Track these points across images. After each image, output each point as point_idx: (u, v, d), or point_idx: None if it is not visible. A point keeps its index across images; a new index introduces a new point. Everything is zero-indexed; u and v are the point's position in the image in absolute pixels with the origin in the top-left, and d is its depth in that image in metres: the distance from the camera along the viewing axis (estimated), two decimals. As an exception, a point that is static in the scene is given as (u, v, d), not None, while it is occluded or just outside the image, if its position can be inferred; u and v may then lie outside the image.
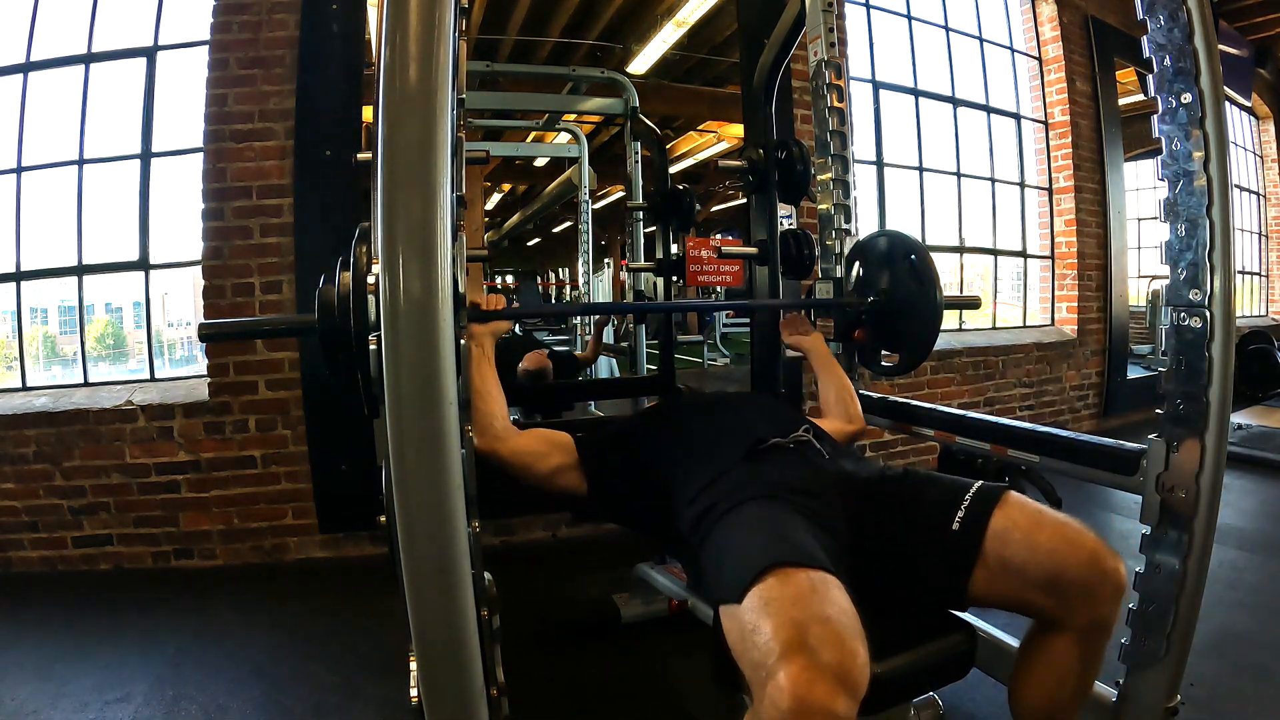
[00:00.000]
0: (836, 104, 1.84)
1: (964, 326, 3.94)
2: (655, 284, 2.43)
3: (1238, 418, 3.62)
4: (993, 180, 3.98)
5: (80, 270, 2.53)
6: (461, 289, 1.01)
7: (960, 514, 1.03)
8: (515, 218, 8.42)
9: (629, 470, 1.33)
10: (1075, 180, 4.00)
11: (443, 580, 0.68)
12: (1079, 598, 0.95)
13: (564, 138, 4.63)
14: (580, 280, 4.24)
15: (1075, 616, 0.96)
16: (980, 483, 1.08)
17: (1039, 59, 4.07)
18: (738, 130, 3.22)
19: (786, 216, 2.50)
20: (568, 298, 10.05)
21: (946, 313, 1.56)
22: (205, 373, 2.38)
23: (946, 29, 3.81)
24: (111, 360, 4.95)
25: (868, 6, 3.48)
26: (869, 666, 0.75)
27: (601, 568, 2.20)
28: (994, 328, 4.14)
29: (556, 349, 3.27)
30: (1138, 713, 1.13)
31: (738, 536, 0.98)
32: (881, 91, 3.53)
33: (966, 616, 1.09)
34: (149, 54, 2.53)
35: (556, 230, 10.14)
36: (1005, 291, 4.95)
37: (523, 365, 2.79)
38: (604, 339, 3.61)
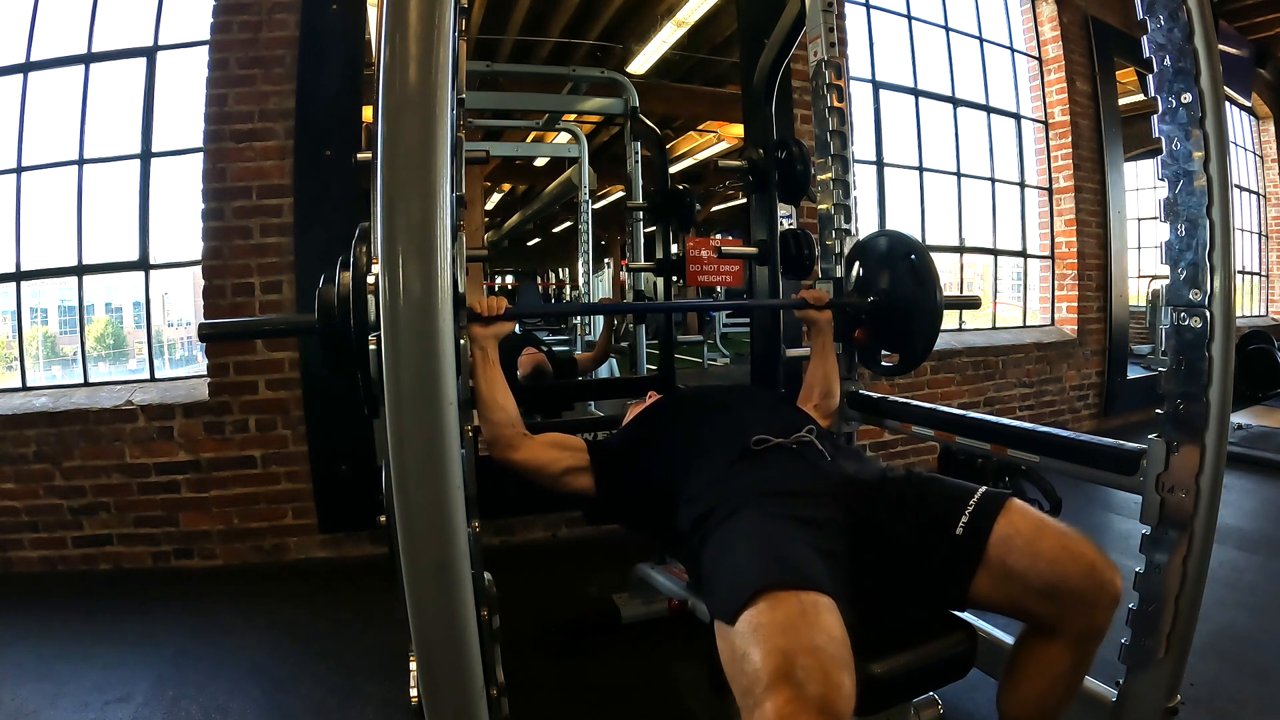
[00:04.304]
0: (836, 104, 1.84)
1: (964, 326, 3.94)
2: (655, 284, 2.43)
3: (1238, 418, 3.62)
4: (993, 180, 3.98)
5: (80, 270, 2.53)
6: (461, 289, 1.01)
7: (965, 518, 1.03)
8: (515, 218, 8.43)
9: (634, 471, 1.33)
10: (1075, 180, 4.00)
11: (443, 580, 0.68)
12: (1076, 607, 0.96)
13: (564, 138, 4.63)
14: (580, 280, 4.24)
15: (1071, 624, 0.97)
16: (984, 488, 1.08)
17: (1039, 59, 4.07)
18: (738, 130, 3.22)
19: (786, 216, 2.50)
20: (568, 298, 10.04)
21: (946, 313, 1.56)
22: (205, 373, 2.38)
23: (946, 29, 3.81)
24: (111, 360, 4.95)
25: (868, 6, 3.48)
26: (854, 698, 0.76)
27: (601, 568, 2.20)
28: (994, 328, 4.14)
29: (555, 349, 3.24)
30: (1138, 713, 1.13)
31: (733, 551, 0.98)
32: (881, 91, 3.53)
33: (966, 616, 1.09)
34: (149, 54, 2.53)
35: (556, 230, 10.15)
36: (1005, 291, 4.95)
37: (520, 373, 2.78)
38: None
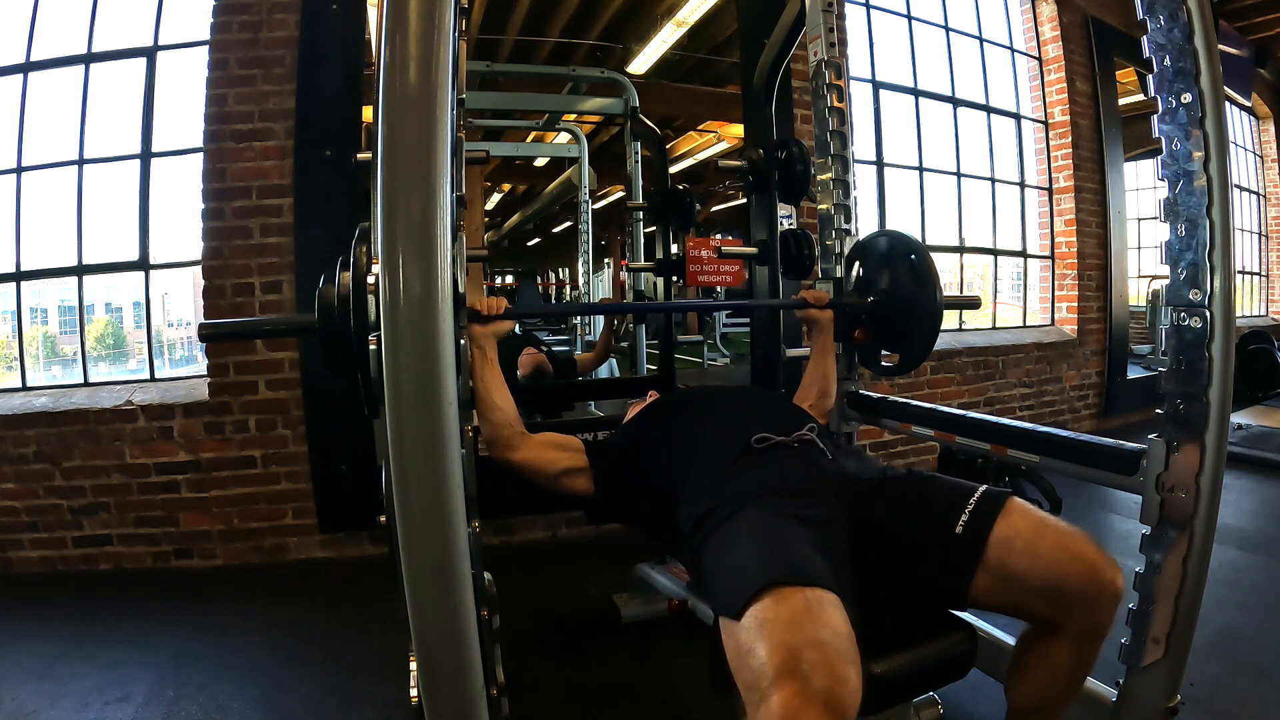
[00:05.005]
0: (836, 104, 1.84)
1: (964, 326, 3.94)
2: (655, 284, 2.43)
3: (1238, 418, 3.62)
4: (993, 180, 3.98)
5: (80, 270, 2.53)
6: (461, 289, 1.01)
7: (964, 518, 1.03)
8: (515, 218, 8.42)
9: (634, 472, 1.33)
10: (1075, 180, 4.00)
11: (443, 580, 0.68)
12: (1077, 606, 0.95)
13: (564, 138, 4.63)
14: (580, 280, 4.24)
15: (1072, 623, 0.97)
16: (984, 487, 1.08)
17: (1039, 59, 4.07)
18: (738, 130, 3.22)
19: (786, 216, 2.51)
20: (568, 297, 10.05)
21: (946, 313, 1.56)
22: (205, 373, 2.38)
23: (946, 29, 3.81)
24: (111, 360, 4.95)
25: (868, 6, 3.48)
26: (860, 692, 0.76)
27: (601, 568, 2.20)
28: (994, 328, 4.14)
29: (555, 349, 3.24)
30: (1138, 713, 1.13)
31: (737, 548, 0.98)
32: (881, 91, 3.53)
33: (966, 616, 1.09)
34: (149, 54, 2.53)
35: (556, 230, 10.14)
36: (1005, 291, 4.95)
37: (521, 373, 2.79)
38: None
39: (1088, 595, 0.95)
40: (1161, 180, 1.09)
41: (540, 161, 6.32)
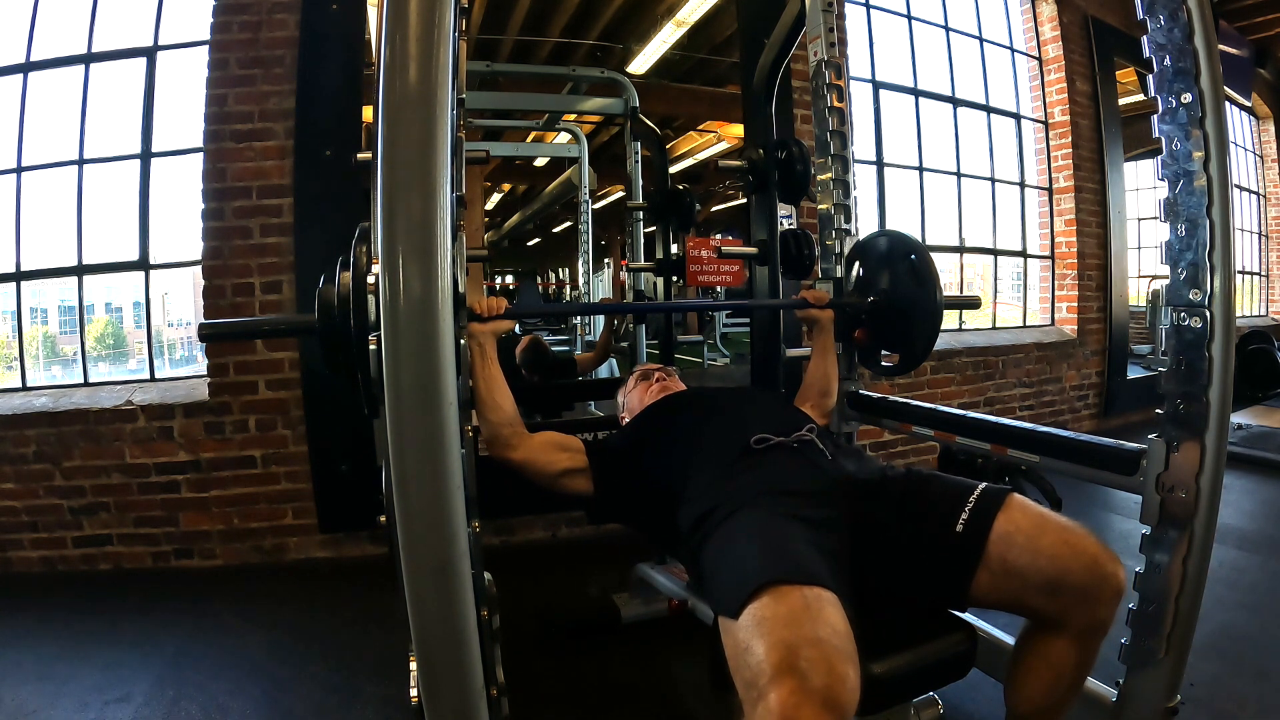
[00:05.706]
0: (836, 104, 1.84)
1: (964, 326, 3.94)
2: (655, 284, 2.44)
3: (1238, 418, 3.62)
4: (993, 180, 3.98)
5: (80, 270, 2.53)
6: (461, 289, 1.01)
7: (964, 516, 1.03)
8: (515, 218, 8.41)
9: (634, 472, 1.33)
10: (1075, 180, 4.00)
11: (443, 580, 0.68)
12: (1079, 601, 0.95)
13: (564, 138, 4.63)
14: (580, 280, 4.24)
15: (1074, 619, 0.97)
16: (984, 485, 1.08)
17: (1039, 59, 4.07)
18: (738, 130, 3.22)
19: (786, 216, 2.51)
20: (567, 298, 10.05)
21: (946, 313, 1.56)
22: (205, 373, 2.38)
23: (946, 29, 3.81)
24: (111, 360, 4.95)
25: (868, 6, 3.48)
26: (858, 690, 0.76)
27: (601, 568, 2.20)
28: (994, 328, 4.14)
29: (555, 350, 3.25)
30: (1138, 713, 1.13)
31: (736, 547, 0.98)
32: (881, 91, 3.53)
33: (966, 616, 1.09)
34: (149, 54, 2.53)
35: (556, 230, 10.13)
36: (1005, 291, 4.95)
37: (519, 349, 2.81)
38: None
39: (1089, 589, 0.95)
40: (1161, 180, 1.09)
41: (540, 161, 6.31)
